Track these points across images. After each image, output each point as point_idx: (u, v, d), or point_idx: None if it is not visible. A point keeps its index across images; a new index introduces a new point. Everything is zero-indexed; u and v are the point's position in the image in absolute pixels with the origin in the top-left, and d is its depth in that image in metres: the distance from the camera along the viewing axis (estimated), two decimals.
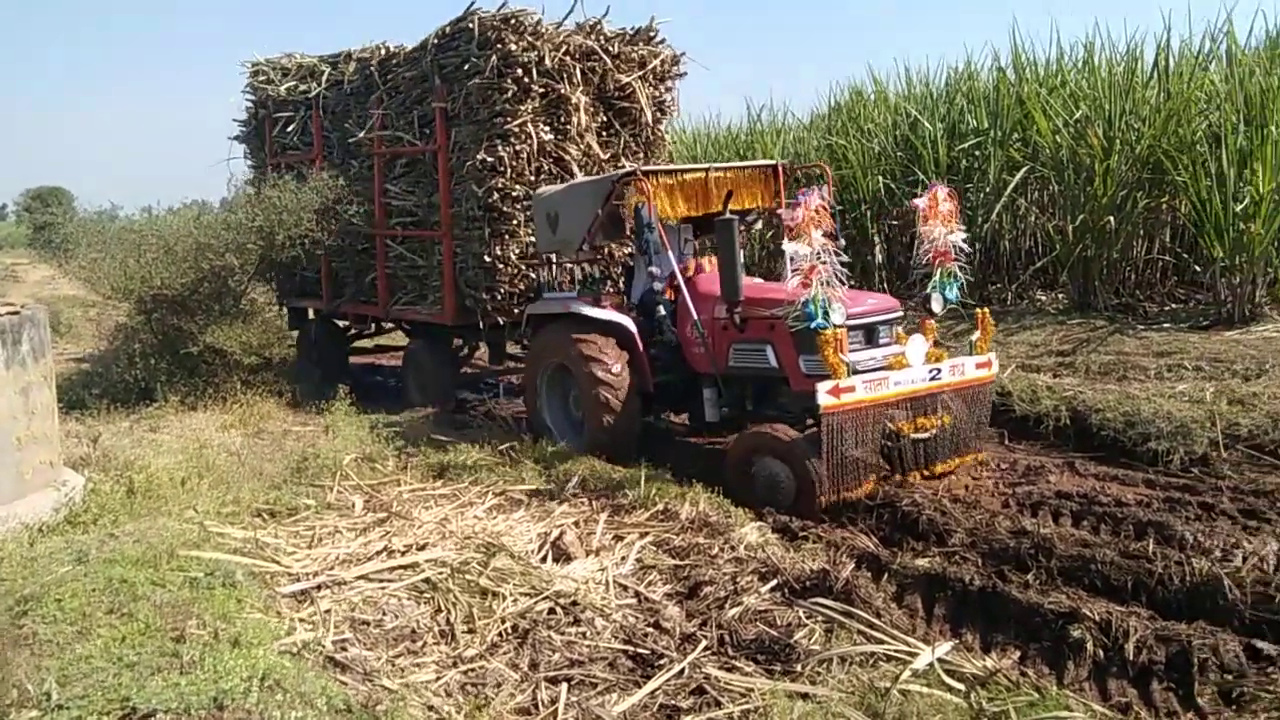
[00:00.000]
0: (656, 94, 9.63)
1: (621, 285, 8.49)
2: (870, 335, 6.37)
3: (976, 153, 12.00)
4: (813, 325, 5.74)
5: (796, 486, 5.84)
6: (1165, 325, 9.79)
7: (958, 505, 5.76)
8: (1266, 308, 9.47)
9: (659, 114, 9.69)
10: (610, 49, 9.17)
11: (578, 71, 8.91)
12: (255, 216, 9.86)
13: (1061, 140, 10.86)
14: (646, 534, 5.43)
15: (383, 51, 10.00)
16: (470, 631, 4.28)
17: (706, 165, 7.70)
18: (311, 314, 11.87)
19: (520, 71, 8.51)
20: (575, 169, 8.93)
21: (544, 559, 5.16)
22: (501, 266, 8.73)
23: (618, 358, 7.08)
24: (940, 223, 6.27)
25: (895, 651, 3.93)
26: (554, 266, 8.46)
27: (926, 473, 6.23)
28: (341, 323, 11.51)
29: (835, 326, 5.76)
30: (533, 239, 8.65)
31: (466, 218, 8.91)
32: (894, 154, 12.86)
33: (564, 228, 7.73)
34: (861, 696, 3.59)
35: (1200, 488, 6.01)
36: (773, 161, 8.00)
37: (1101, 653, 3.95)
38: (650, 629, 4.33)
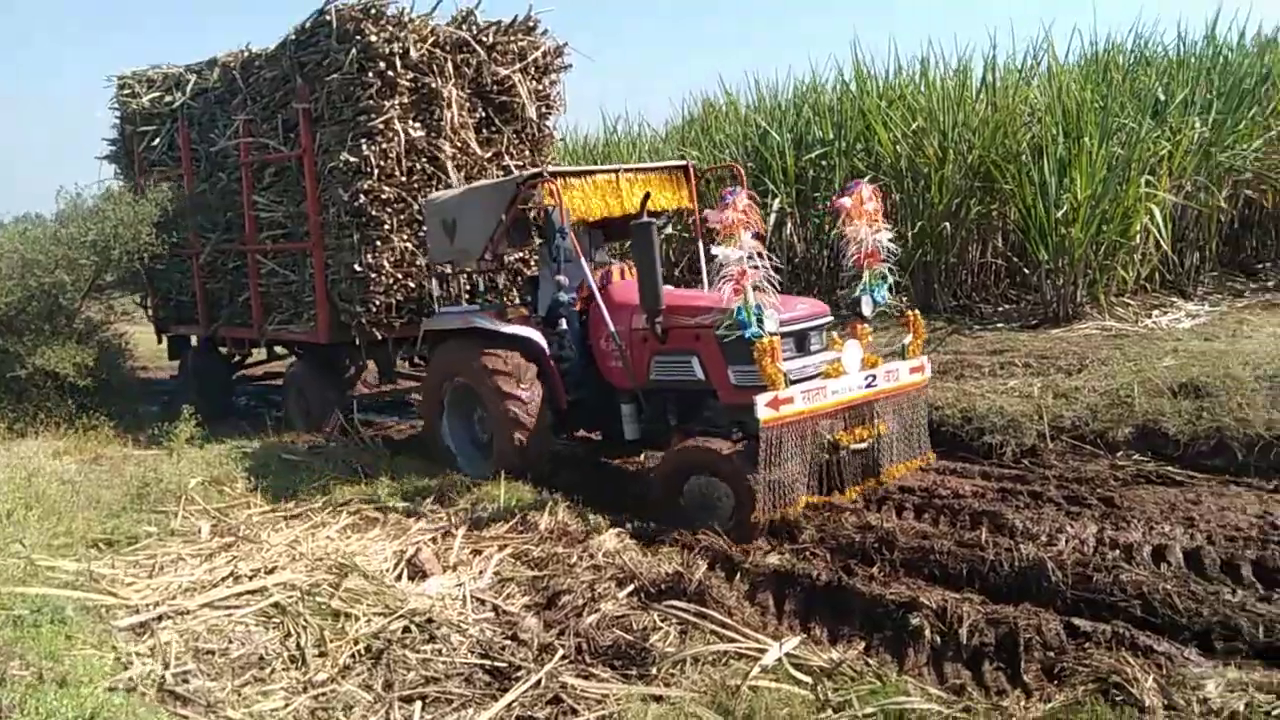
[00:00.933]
0: (539, 88, 9.14)
1: (525, 296, 7.84)
2: (801, 342, 5.99)
3: (822, 163, 12.42)
4: (747, 335, 5.41)
5: (734, 504, 5.47)
6: (999, 325, 10.38)
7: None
8: (1087, 307, 10.14)
9: (544, 109, 9.20)
10: (484, 40, 8.67)
11: (449, 64, 8.42)
12: (88, 230, 9.35)
13: (901, 150, 11.38)
14: (505, 546, 5.42)
15: (245, 54, 9.44)
16: (321, 655, 4.18)
17: (617, 166, 7.33)
18: (195, 341, 10.94)
19: (383, 65, 8.00)
20: (451, 169, 8.46)
21: (399, 577, 5.09)
22: (375, 276, 8.18)
23: (527, 373, 6.67)
24: (865, 222, 5.91)
25: (746, 649, 4.05)
26: (449, 278, 8.07)
27: (870, 484, 5.98)
28: (223, 348, 10.73)
29: (769, 335, 5.42)
30: (409, 245, 8.27)
31: (336, 225, 8.39)
32: (745, 164, 13.20)
33: (463, 236, 7.24)
34: (714, 695, 3.68)
35: (1030, 477, 6.41)
36: (683, 161, 7.72)
37: (939, 638, 4.16)
38: (508, 641, 4.33)
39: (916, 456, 6.10)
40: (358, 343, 8.52)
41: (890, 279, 6.11)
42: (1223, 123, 10.55)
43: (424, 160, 8.37)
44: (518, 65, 8.87)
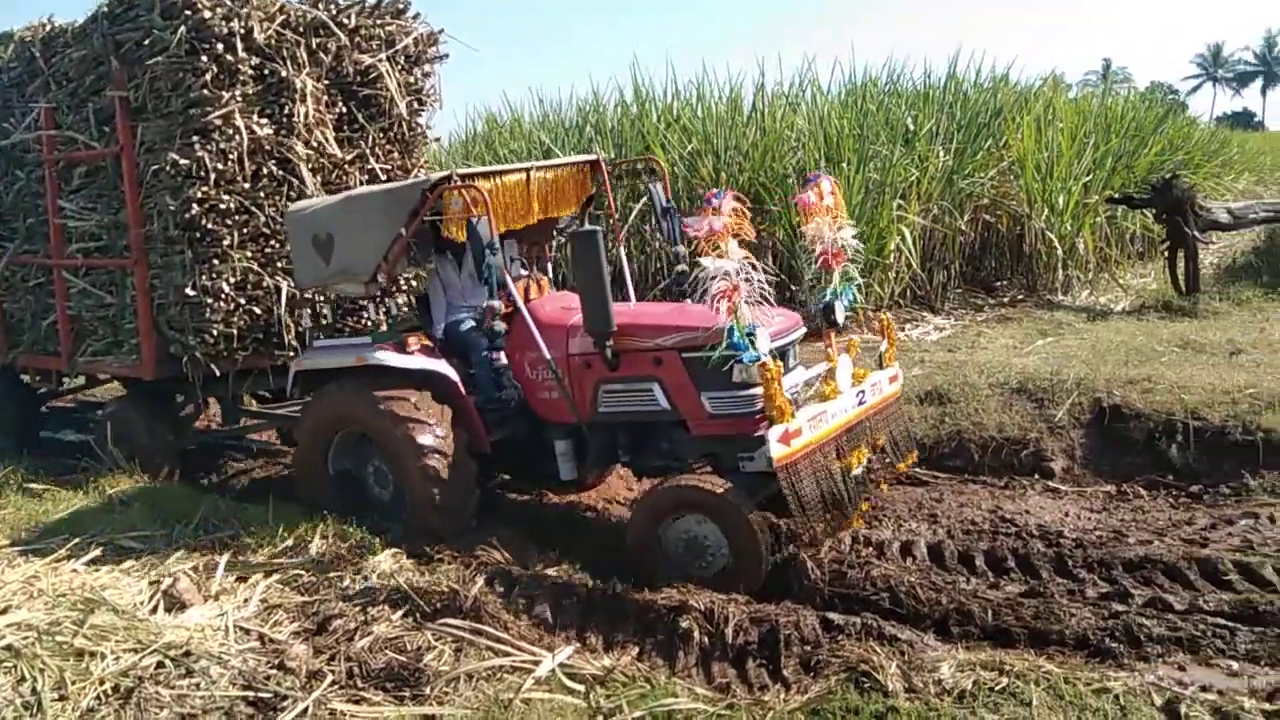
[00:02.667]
0: (410, 80, 7.96)
1: (406, 322, 6.64)
2: (783, 359, 5.33)
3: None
4: (745, 359, 4.83)
5: (729, 551, 4.92)
6: None
7: (589, 513, 6.07)
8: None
9: (416, 104, 8.04)
10: (345, 22, 7.44)
11: (302, 50, 7.22)
12: None
13: (678, 171, 11.79)
14: (273, 572, 5.20)
15: (47, 28, 7.79)
16: (62, 699, 3.85)
17: (526, 165, 6.36)
18: None
19: (220, 47, 6.69)
20: (306, 174, 7.22)
21: (154, 610, 4.77)
22: (212, 301, 6.80)
23: (443, 417, 5.68)
24: (829, 219, 5.37)
25: (521, 662, 4.08)
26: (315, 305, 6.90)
27: (866, 507, 5.63)
28: (26, 378, 8.84)
29: (764, 356, 4.82)
30: (253, 264, 6.97)
31: (163, 240, 6.97)
32: None
33: (344, 254, 6.07)
34: (486, 711, 3.69)
35: None
36: (593, 156, 6.88)
37: (707, 639, 4.34)
38: (274, 670, 4.15)
39: (902, 461, 5.85)
40: (191, 379, 7.14)
41: (859, 280, 5.69)
42: (963, 152, 11.59)
43: (272, 163, 7.11)
44: (385, 53, 7.69)
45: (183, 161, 6.65)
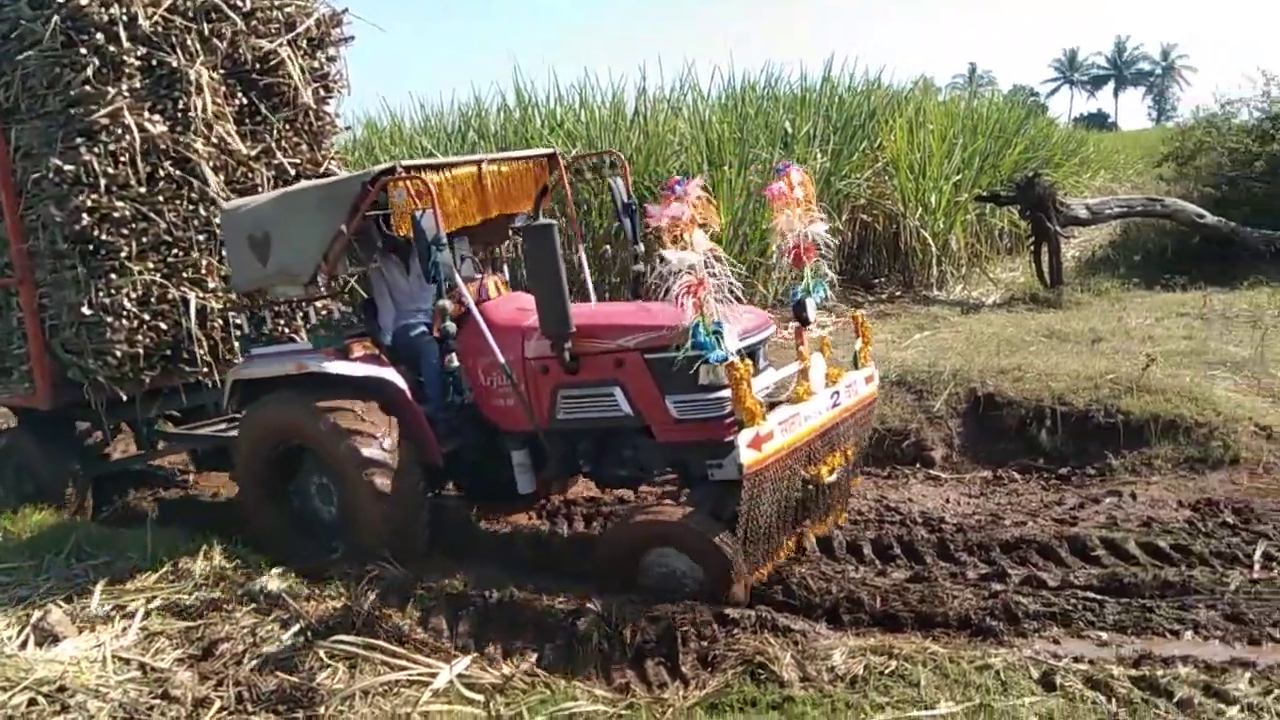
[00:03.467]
0: (314, 65, 7.43)
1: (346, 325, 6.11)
2: (752, 359, 5.01)
3: None
4: (711, 359, 4.49)
5: (701, 578, 4.60)
6: None
7: (484, 522, 6.02)
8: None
9: (322, 91, 7.51)
10: (240, 4, 6.93)
11: (194, 37, 6.64)
12: None
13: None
14: (154, 598, 4.99)
15: None
16: None
17: (478, 157, 5.92)
18: None
19: (101, 37, 6.11)
20: (208, 173, 6.65)
21: (24, 645, 4.53)
22: (112, 320, 6.23)
23: (390, 428, 5.32)
24: (800, 212, 4.99)
25: (418, 675, 4.02)
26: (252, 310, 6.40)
27: (836, 518, 5.50)
28: None
29: (732, 355, 4.51)
30: (156, 275, 6.44)
31: (50, 254, 6.37)
32: None
33: (281, 254, 5.68)
34: None
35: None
36: (549, 150, 6.47)
37: (606, 641, 4.35)
38: (157, 700, 4.00)
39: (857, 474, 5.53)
40: (95, 405, 6.55)
41: (830, 275, 5.34)
42: (839, 154, 11.92)
43: (169, 163, 6.51)
44: (285, 37, 7.13)
45: (67, 167, 6.09)
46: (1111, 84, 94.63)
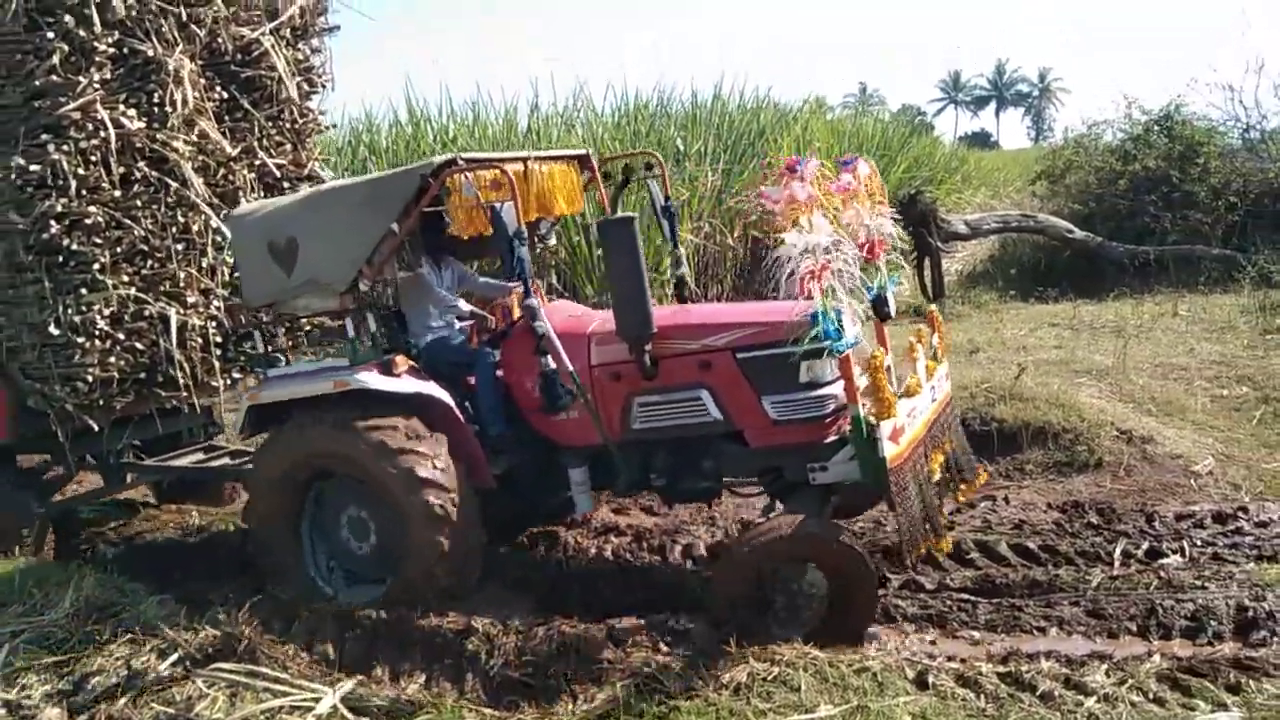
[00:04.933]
0: (298, 56, 6.88)
1: (379, 338, 5.40)
2: None
3: None
4: (840, 347, 4.22)
5: (829, 595, 4.27)
6: None
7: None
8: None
9: (306, 85, 6.94)
10: None
11: (172, 23, 6.07)
12: None
13: None
14: (20, 632, 4.77)
15: None
16: None
17: (523, 154, 5.36)
18: None
19: (70, 20, 5.48)
20: (189, 173, 5.99)
21: None
22: (83, 341, 5.61)
23: (439, 446, 4.85)
24: (868, 206, 4.66)
25: (301, 701, 3.95)
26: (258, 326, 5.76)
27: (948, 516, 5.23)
28: None
29: (862, 341, 4.28)
30: (134, 289, 5.82)
31: (9, 267, 5.67)
32: None
33: (312, 261, 5.14)
34: None
35: None
36: (582, 150, 5.86)
37: (496, 660, 4.34)
38: None
39: (976, 473, 5.22)
40: (63, 436, 5.90)
41: (906, 268, 5.25)
42: (730, 171, 12.14)
43: (144, 163, 5.86)
44: (268, 25, 6.56)
45: (32, 167, 5.42)
46: (994, 104, 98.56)
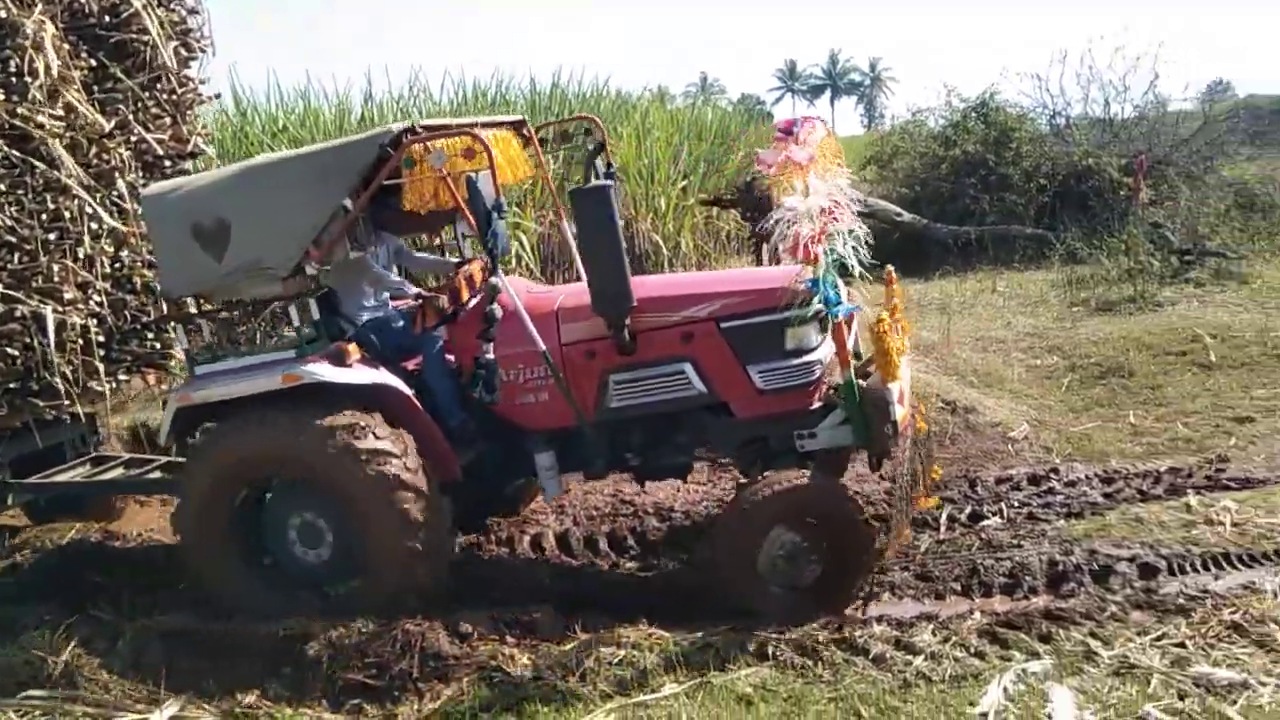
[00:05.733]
0: (173, 17, 6.21)
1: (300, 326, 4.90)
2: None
3: None
4: (841, 312, 4.30)
5: (831, 560, 4.34)
6: None
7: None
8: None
9: (184, 50, 6.24)
10: None
11: None
12: None
13: None
14: None
15: None
16: None
17: (470, 120, 5.00)
18: None
19: None
20: (60, 152, 5.32)
21: None
22: None
23: (404, 441, 4.55)
24: (826, 167, 4.33)
25: None
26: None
27: (938, 473, 5.23)
28: None
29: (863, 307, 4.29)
30: (8, 289, 5.19)
31: None
32: None
33: (249, 243, 4.67)
34: None
35: None
36: (518, 117, 5.47)
37: (337, 665, 4.21)
38: None
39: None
40: None
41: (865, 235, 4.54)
42: (570, 159, 12.11)
43: (3, 142, 5.22)
44: None
45: None
46: (828, 93, 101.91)
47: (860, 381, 4.49)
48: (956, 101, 16.42)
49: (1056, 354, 8.54)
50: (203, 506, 4.73)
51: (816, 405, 4.66)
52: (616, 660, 3.95)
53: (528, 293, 5.09)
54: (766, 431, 4.74)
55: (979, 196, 14.41)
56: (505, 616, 4.39)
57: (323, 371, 4.55)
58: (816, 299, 4.24)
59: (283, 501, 4.79)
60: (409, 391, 4.74)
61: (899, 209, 14.60)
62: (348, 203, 4.61)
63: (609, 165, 5.55)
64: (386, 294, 5.20)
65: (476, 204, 4.37)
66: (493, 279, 4.48)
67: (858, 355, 4.90)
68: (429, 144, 4.47)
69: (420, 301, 5.03)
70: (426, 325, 4.93)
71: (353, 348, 4.71)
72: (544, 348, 4.62)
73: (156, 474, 6.06)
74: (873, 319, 4.36)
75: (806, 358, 4.62)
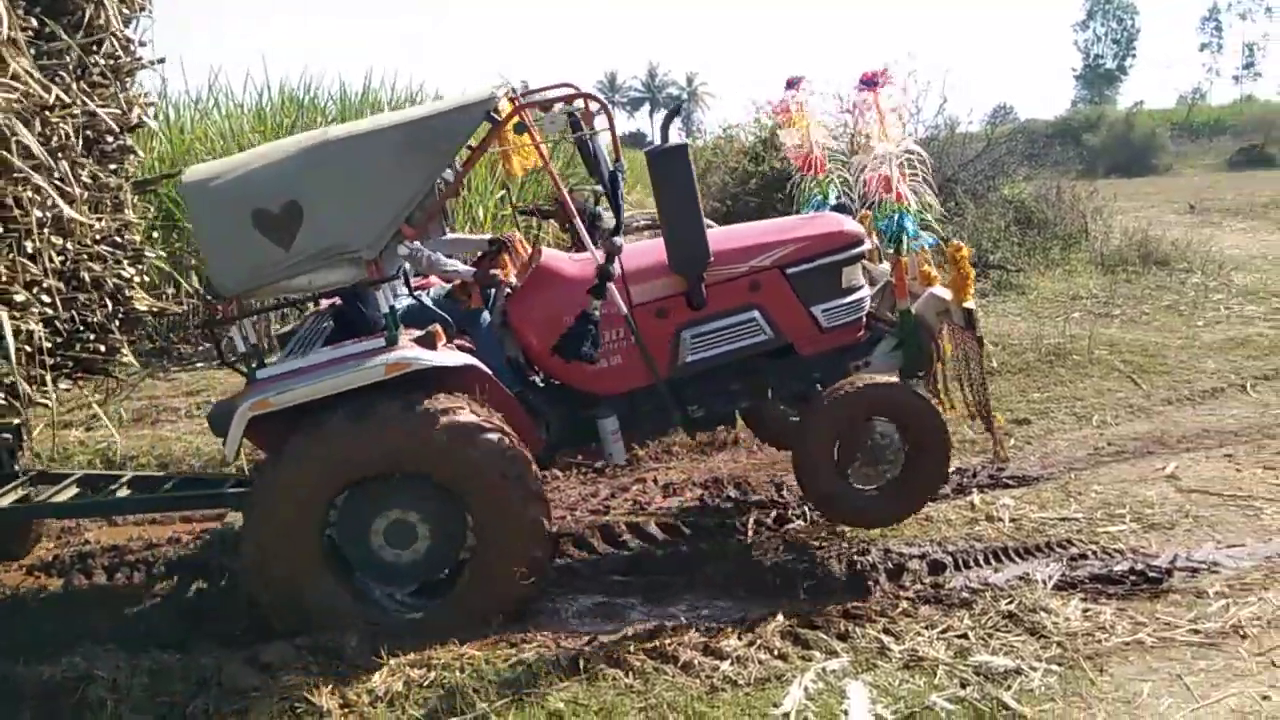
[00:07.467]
0: None
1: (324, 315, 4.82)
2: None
3: None
4: (927, 243, 4.97)
5: (914, 445, 4.82)
6: (199, 365, 10.22)
7: None
8: None
9: (125, 10, 5.55)
10: None
11: None
12: None
13: None
14: None
15: None
16: None
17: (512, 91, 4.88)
18: None
19: None
20: (18, 126, 4.41)
21: None
22: None
23: (504, 423, 4.42)
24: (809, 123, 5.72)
25: None
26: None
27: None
28: None
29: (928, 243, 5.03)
30: None
31: None
32: None
33: (326, 226, 4.30)
34: None
35: None
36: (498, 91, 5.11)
37: (122, 707, 3.94)
38: None
39: None
40: None
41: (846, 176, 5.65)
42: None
43: None
44: None
45: None
46: (648, 106, 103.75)
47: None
48: (764, 119, 17.05)
49: None
50: (294, 519, 4.31)
51: (863, 336, 5.23)
52: (427, 683, 3.88)
53: (576, 261, 5.08)
54: (823, 366, 5.14)
55: (786, 211, 14.96)
56: (309, 645, 4.23)
57: (428, 357, 4.37)
58: (909, 230, 4.89)
59: (362, 504, 4.46)
60: (488, 370, 4.63)
61: (712, 222, 14.96)
62: (448, 173, 4.77)
63: (616, 158, 5.20)
64: (437, 274, 5.20)
65: (601, 166, 4.79)
66: (615, 238, 4.58)
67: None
68: (546, 107, 4.74)
69: (465, 281, 5.08)
70: (474, 303, 5.02)
71: (438, 329, 4.59)
72: (626, 310, 4.76)
73: (125, 490, 5.42)
74: (953, 248, 4.89)
75: (858, 294, 5.18)
